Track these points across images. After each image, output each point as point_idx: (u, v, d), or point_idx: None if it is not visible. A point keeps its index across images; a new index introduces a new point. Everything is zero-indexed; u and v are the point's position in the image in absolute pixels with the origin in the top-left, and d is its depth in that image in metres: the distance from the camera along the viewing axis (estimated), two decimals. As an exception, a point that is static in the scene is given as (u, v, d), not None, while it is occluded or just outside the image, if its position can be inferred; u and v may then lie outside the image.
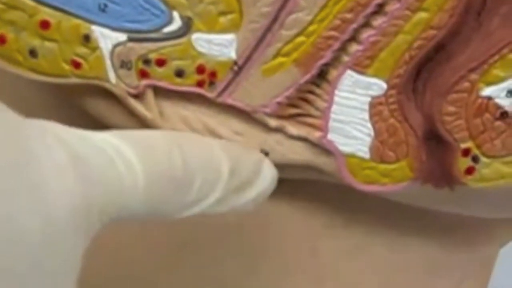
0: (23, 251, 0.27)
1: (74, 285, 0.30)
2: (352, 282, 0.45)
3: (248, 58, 0.38)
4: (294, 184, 0.43)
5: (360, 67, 0.38)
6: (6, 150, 0.27)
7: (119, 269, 0.47)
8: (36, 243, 0.27)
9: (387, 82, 0.38)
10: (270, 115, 0.39)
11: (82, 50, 0.38)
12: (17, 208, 0.27)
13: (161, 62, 0.38)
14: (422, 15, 0.36)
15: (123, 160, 0.31)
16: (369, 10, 0.37)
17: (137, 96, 0.39)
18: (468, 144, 0.38)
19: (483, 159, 0.38)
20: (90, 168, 0.30)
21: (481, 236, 0.45)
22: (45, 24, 0.38)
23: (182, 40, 0.38)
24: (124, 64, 0.38)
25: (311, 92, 0.39)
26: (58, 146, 0.29)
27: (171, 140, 0.34)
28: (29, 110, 0.42)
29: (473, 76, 0.37)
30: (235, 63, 0.38)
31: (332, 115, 0.39)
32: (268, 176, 0.38)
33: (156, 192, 0.32)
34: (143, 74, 0.39)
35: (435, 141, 0.39)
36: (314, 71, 0.38)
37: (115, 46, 0.38)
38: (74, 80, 0.39)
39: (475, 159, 0.38)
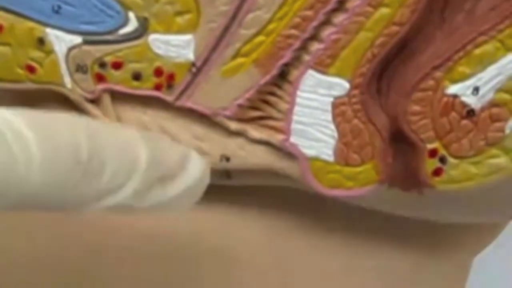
0: None
1: None
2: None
3: (206, 59, 0.38)
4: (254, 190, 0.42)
5: (321, 66, 0.37)
6: None
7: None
8: None
9: (349, 81, 0.37)
10: (231, 118, 0.39)
11: (37, 54, 0.38)
12: None
13: (117, 65, 0.38)
14: (384, 11, 0.36)
15: (18, 140, 0.29)
16: (330, 7, 0.36)
17: (94, 101, 0.39)
18: (435, 145, 0.38)
19: (451, 160, 0.38)
20: None
21: (451, 245, 0.45)
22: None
23: (139, 41, 0.38)
24: (80, 68, 0.38)
25: (272, 93, 0.38)
26: None
27: (80, 127, 0.32)
28: None
29: (438, 74, 0.37)
30: (193, 64, 0.38)
31: (294, 117, 0.38)
32: (195, 170, 0.36)
33: (56, 177, 0.30)
34: (100, 78, 0.38)
35: (401, 142, 0.38)
36: (274, 71, 0.37)
37: (70, 49, 0.38)
38: (29, 86, 0.39)
39: (442, 160, 0.38)
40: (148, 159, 0.34)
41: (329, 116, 0.38)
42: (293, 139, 0.38)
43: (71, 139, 0.31)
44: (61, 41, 0.38)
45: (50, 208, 0.31)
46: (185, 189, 0.36)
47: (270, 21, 0.37)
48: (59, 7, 0.37)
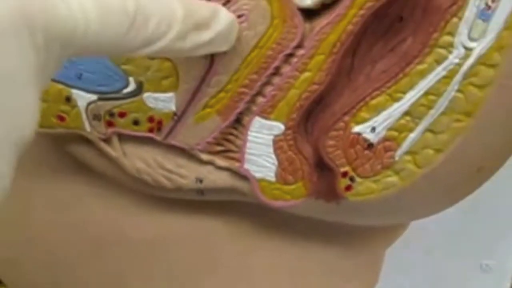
0: None
1: (35, 91, 0.26)
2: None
3: (184, 110, 0.38)
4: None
5: (265, 114, 0.38)
6: None
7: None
8: None
9: (285, 124, 0.38)
10: (202, 151, 0.39)
11: (65, 107, 0.39)
12: None
13: (122, 115, 0.39)
14: (307, 74, 0.37)
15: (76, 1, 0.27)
16: (269, 71, 0.37)
17: (106, 140, 0.39)
18: (346, 168, 0.38)
19: (358, 179, 0.38)
20: None
21: (366, 240, 0.45)
22: None
23: (137, 98, 0.38)
24: (96, 117, 0.39)
25: (231, 134, 0.39)
26: None
27: None
28: (32, 152, 0.43)
29: (346, 118, 0.38)
30: (175, 114, 0.38)
31: (247, 150, 0.39)
32: (224, 19, 0.35)
33: (110, 26, 0.29)
34: (109, 124, 0.39)
35: (322, 166, 0.39)
36: (232, 118, 0.38)
37: (89, 104, 0.38)
38: (60, 130, 0.39)
39: (351, 179, 0.39)
40: (184, 11, 0.32)
41: (271, 149, 0.38)
42: (246, 166, 0.39)
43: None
44: (82, 99, 0.38)
45: (111, 52, 0.30)
46: (218, 33, 0.34)
47: (228, 82, 0.37)
48: (81, 74, 0.38)
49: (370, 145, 0.38)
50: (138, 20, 0.30)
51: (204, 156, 0.39)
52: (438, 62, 0.37)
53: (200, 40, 0.33)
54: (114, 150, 0.40)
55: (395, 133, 0.38)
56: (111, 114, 0.39)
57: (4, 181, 0.26)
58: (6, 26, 0.24)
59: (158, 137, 0.39)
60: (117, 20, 0.29)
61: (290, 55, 0.37)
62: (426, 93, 0.37)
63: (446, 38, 0.36)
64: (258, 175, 0.39)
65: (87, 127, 0.39)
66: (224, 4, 0.36)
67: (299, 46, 0.37)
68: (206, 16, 0.34)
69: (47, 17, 0.26)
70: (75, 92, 0.38)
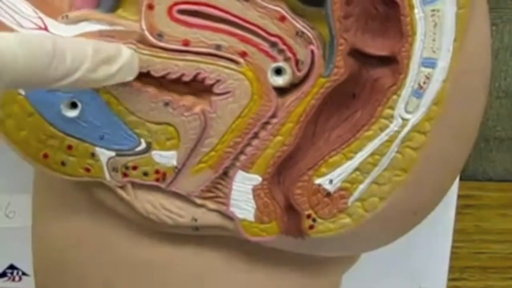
0: None
1: None
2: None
3: (183, 165, 0.38)
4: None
5: (246, 168, 0.37)
6: None
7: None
8: None
9: (262, 177, 0.37)
10: (197, 197, 0.39)
11: (90, 161, 0.38)
12: None
13: (134, 168, 0.38)
14: (279, 138, 0.37)
15: (3, 39, 0.27)
16: (250, 135, 0.37)
17: (122, 187, 0.39)
18: (310, 212, 0.38)
19: (319, 220, 0.38)
20: None
21: (326, 268, 0.44)
22: (69, 147, 0.38)
23: (146, 155, 0.38)
24: (114, 169, 0.38)
25: (220, 183, 0.38)
26: None
27: (45, 34, 0.31)
28: (63, 195, 0.42)
29: (310, 172, 0.37)
30: (176, 167, 0.38)
31: (232, 197, 0.38)
32: (127, 53, 0.34)
33: (34, 62, 0.28)
34: (125, 175, 0.38)
35: (291, 210, 0.38)
36: (220, 171, 0.38)
37: (109, 159, 0.38)
38: (86, 179, 0.39)
39: (314, 220, 0.38)
40: (93, 50, 0.31)
41: (251, 196, 0.38)
42: (231, 209, 0.38)
43: (41, 40, 0.29)
44: (104, 155, 0.38)
45: (32, 86, 0.29)
46: (123, 65, 0.34)
47: (217, 144, 0.37)
48: (103, 136, 0.37)
49: (328, 194, 0.38)
50: (57, 56, 0.29)
51: (198, 201, 0.39)
52: (382, 129, 0.36)
53: (109, 72, 0.33)
54: (128, 195, 0.39)
55: (348, 185, 0.37)
56: (126, 167, 0.38)
57: None
58: None
59: (162, 185, 0.39)
60: (39, 57, 0.28)
61: (266, 123, 0.37)
62: (372, 154, 0.37)
63: (388, 111, 0.36)
64: (240, 216, 0.38)
65: (108, 177, 0.39)
66: (214, 84, 0.36)
67: (273, 116, 0.36)
68: (112, 52, 0.33)
69: None
70: (98, 150, 0.38)
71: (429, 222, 0.42)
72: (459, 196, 0.60)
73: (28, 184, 0.45)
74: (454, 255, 0.60)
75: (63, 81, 0.30)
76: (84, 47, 0.31)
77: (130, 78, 0.35)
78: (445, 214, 0.58)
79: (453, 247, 0.59)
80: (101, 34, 0.36)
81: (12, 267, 0.58)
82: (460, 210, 0.62)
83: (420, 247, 0.55)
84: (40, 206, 0.44)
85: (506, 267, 0.67)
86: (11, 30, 0.38)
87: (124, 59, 0.34)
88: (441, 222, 0.58)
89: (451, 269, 0.60)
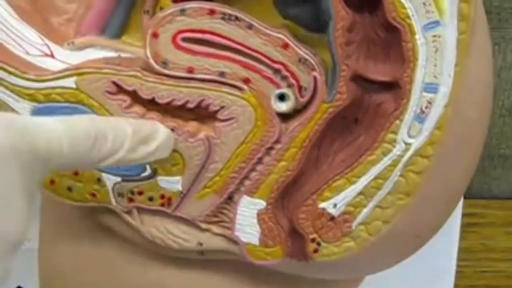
0: None
1: (23, 203, 0.26)
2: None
3: (188, 190, 0.38)
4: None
5: (250, 193, 0.38)
6: None
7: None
8: None
9: (266, 201, 0.38)
10: (202, 221, 0.39)
11: (96, 186, 0.38)
12: None
13: (140, 193, 0.38)
14: (283, 163, 0.37)
15: (51, 128, 0.28)
16: (254, 161, 0.37)
17: (128, 212, 0.39)
18: (314, 235, 0.38)
19: (323, 244, 0.38)
20: (21, 131, 0.26)
21: None
22: (76, 173, 0.38)
23: (152, 180, 0.38)
24: (120, 194, 0.39)
25: (224, 208, 0.39)
26: None
27: (88, 118, 0.31)
28: (69, 219, 0.42)
29: (314, 197, 0.38)
30: (181, 192, 0.38)
31: (237, 221, 0.38)
32: (163, 132, 0.35)
33: (79, 147, 0.29)
34: (131, 200, 0.39)
35: (295, 234, 0.38)
36: (225, 196, 0.38)
37: (115, 184, 0.38)
38: (92, 204, 0.39)
39: (318, 244, 0.38)
40: (133, 130, 0.32)
41: (255, 220, 0.38)
42: (236, 233, 0.38)
43: (84, 125, 0.30)
44: (110, 180, 0.38)
45: (76, 167, 0.31)
46: (160, 144, 0.34)
47: (222, 169, 0.37)
48: None
49: (332, 218, 0.38)
50: (99, 141, 0.30)
51: (204, 225, 0.39)
52: (385, 154, 0.37)
53: (147, 151, 0.34)
54: (134, 220, 0.39)
55: (352, 208, 0.38)
56: (132, 192, 0.38)
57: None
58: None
59: (168, 210, 0.39)
60: (82, 142, 0.29)
61: (270, 148, 0.37)
62: (376, 178, 0.37)
63: (391, 136, 0.36)
64: (245, 240, 0.39)
65: (113, 202, 0.39)
66: (218, 110, 0.36)
67: (277, 141, 0.37)
68: (149, 132, 0.34)
69: (31, 149, 0.26)
70: (104, 175, 0.38)
71: (433, 240, 0.42)
72: (464, 215, 0.60)
73: (36, 208, 0.44)
74: (459, 274, 0.61)
75: (104, 162, 0.31)
76: (124, 128, 0.32)
77: (166, 155, 0.36)
78: (449, 233, 0.58)
79: (458, 265, 0.59)
80: (107, 62, 0.37)
81: (19, 288, 0.58)
82: (465, 229, 0.62)
83: (424, 266, 0.55)
84: (47, 230, 0.44)
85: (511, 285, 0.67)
86: (18, 58, 0.38)
87: (161, 138, 0.35)
88: (446, 241, 0.58)
89: (456, 287, 0.60)
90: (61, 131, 0.28)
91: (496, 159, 0.66)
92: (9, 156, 0.25)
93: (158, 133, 0.35)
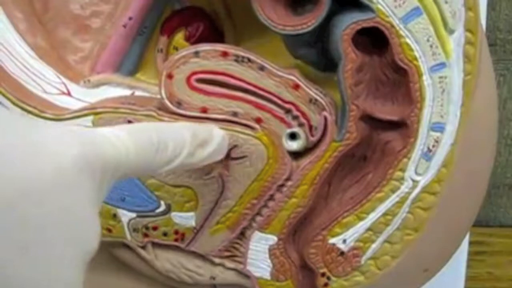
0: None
1: (96, 211, 0.26)
2: None
3: (202, 226, 0.39)
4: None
5: (262, 229, 0.38)
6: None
7: None
8: (49, 185, 0.24)
9: (277, 237, 0.38)
10: (215, 256, 0.39)
11: (112, 222, 0.39)
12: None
13: (155, 228, 0.39)
14: (294, 200, 0.38)
15: (118, 138, 0.28)
16: (266, 197, 0.38)
17: (142, 247, 0.40)
18: (324, 270, 0.39)
19: (333, 278, 0.39)
20: (93, 142, 0.27)
21: None
22: None
23: (166, 216, 0.39)
24: (135, 230, 0.39)
25: (237, 243, 0.39)
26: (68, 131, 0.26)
27: (151, 126, 0.32)
28: None
29: (324, 233, 0.38)
30: (195, 228, 0.39)
31: (249, 256, 0.39)
32: (218, 135, 0.35)
33: (142, 155, 0.29)
34: (145, 235, 0.39)
35: (306, 268, 0.39)
36: (237, 232, 0.39)
37: (130, 220, 0.39)
38: (108, 238, 0.39)
39: (328, 278, 0.39)
40: (191, 136, 0.32)
41: (267, 255, 0.39)
42: (248, 267, 0.39)
43: (148, 133, 0.30)
44: (125, 216, 0.39)
45: (140, 174, 0.31)
46: (216, 147, 0.34)
47: (235, 206, 0.38)
48: (124, 198, 0.38)
49: (342, 253, 0.38)
50: (161, 147, 0.30)
51: (216, 260, 0.40)
52: (393, 191, 0.37)
53: (204, 155, 0.34)
54: (149, 254, 0.40)
55: (361, 244, 0.38)
56: (147, 228, 0.39)
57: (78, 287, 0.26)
58: (75, 174, 0.25)
59: (181, 245, 0.39)
60: (146, 149, 0.30)
61: (281, 185, 0.38)
62: (384, 214, 0.38)
63: (399, 173, 0.37)
64: (257, 274, 0.39)
65: (129, 237, 0.39)
66: (231, 149, 0.37)
67: (288, 178, 0.37)
68: (206, 136, 0.34)
69: (102, 158, 0.27)
70: (120, 211, 0.39)
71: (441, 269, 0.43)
72: (471, 243, 0.61)
73: None
74: None
75: (165, 167, 0.31)
76: (183, 134, 0.33)
77: (221, 157, 0.36)
78: (456, 261, 0.58)
79: (465, 294, 0.59)
80: (122, 102, 0.38)
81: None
82: (472, 257, 0.62)
83: None
84: None
85: (519, 314, 0.67)
86: (36, 97, 0.39)
87: (217, 141, 0.35)
88: (453, 269, 0.58)
89: (464, 317, 0.60)
90: (127, 140, 0.29)
91: (502, 188, 0.67)
92: (82, 165, 0.25)
93: (214, 136, 0.35)
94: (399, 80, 0.36)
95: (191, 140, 0.33)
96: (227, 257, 0.39)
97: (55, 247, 0.24)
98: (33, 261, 0.23)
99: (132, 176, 0.31)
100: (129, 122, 0.37)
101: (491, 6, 0.59)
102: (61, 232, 0.24)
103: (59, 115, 0.38)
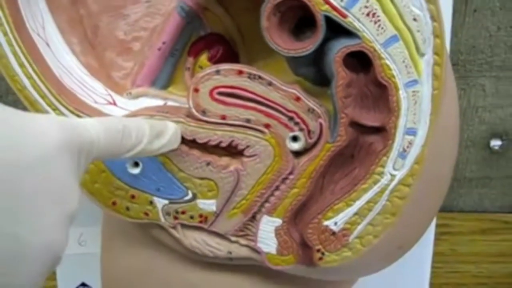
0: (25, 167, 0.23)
1: (76, 183, 0.26)
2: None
3: (221, 211, 0.39)
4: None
5: (269, 213, 0.38)
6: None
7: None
8: (37, 159, 0.24)
9: (282, 219, 0.38)
10: (232, 235, 0.39)
11: (149, 207, 0.39)
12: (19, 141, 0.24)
13: (183, 212, 0.39)
14: (295, 190, 0.38)
15: (91, 125, 0.28)
16: (273, 188, 0.38)
17: (173, 227, 0.39)
18: (319, 247, 0.38)
19: (326, 253, 0.38)
20: (71, 128, 0.27)
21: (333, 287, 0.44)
22: (133, 196, 0.39)
23: (192, 203, 0.39)
24: (167, 214, 0.39)
25: (249, 225, 0.39)
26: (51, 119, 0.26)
27: (117, 118, 0.33)
28: (127, 232, 0.43)
29: (319, 216, 0.38)
30: (215, 212, 0.39)
31: (259, 235, 0.39)
32: (172, 127, 0.35)
33: (111, 140, 0.30)
34: (176, 218, 0.39)
35: (305, 245, 0.39)
36: (250, 215, 0.38)
37: (163, 206, 0.39)
38: (146, 221, 0.39)
39: (322, 253, 0.39)
40: (149, 127, 0.33)
41: (273, 235, 0.38)
42: (258, 244, 0.39)
43: (115, 123, 0.30)
44: (160, 202, 0.38)
45: (108, 157, 0.30)
46: (170, 138, 0.35)
47: (247, 194, 0.38)
48: (159, 188, 0.38)
49: (333, 233, 0.38)
50: (125, 135, 0.31)
51: (233, 238, 0.39)
52: (375, 183, 0.37)
53: (161, 143, 0.34)
54: (178, 233, 0.40)
55: (349, 226, 0.38)
56: (177, 212, 0.39)
57: (62, 244, 0.26)
58: (56, 151, 0.25)
59: (204, 226, 0.39)
60: (114, 136, 0.30)
61: (285, 178, 0.38)
62: (368, 202, 0.38)
63: (380, 169, 0.37)
64: (265, 250, 0.39)
65: (162, 219, 0.39)
66: (245, 148, 0.37)
67: (290, 173, 0.37)
68: (161, 128, 0.35)
69: (78, 141, 0.27)
70: (155, 199, 0.39)
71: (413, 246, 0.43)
72: (437, 225, 0.61)
73: (97, 218, 0.45)
74: (434, 274, 0.60)
75: (129, 153, 0.32)
76: (143, 126, 0.33)
77: (176, 146, 0.36)
78: (426, 240, 0.58)
79: (432, 267, 0.59)
80: (158, 110, 0.38)
81: (83, 284, 0.59)
82: (438, 237, 0.63)
83: (405, 268, 0.55)
84: (108, 242, 0.45)
85: (476, 283, 0.67)
86: (89, 106, 0.40)
87: (170, 132, 0.35)
88: (423, 247, 0.59)
89: (431, 285, 0.60)
90: (98, 128, 0.29)
91: (462, 180, 0.67)
92: (64, 147, 0.26)
93: (168, 128, 0.35)
94: (380, 93, 0.36)
95: (150, 131, 0.33)
96: (241, 236, 0.39)
97: (44, 209, 0.24)
98: (25, 221, 0.24)
99: (103, 158, 0.32)
100: (163, 127, 0.37)
101: (454, 33, 0.59)
102: (47, 196, 0.25)
103: (107, 121, 0.38)
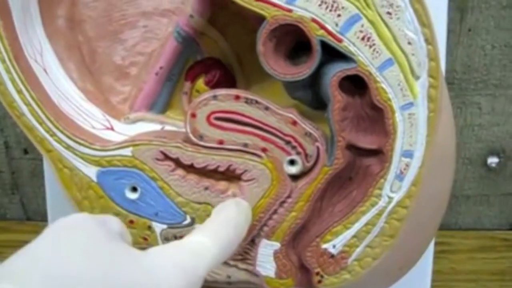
0: None
1: None
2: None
3: None
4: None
5: (268, 237, 0.38)
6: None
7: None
8: None
9: (280, 243, 0.38)
10: (230, 259, 0.39)
11: (147, 232, 0.39)
12: None
13: (181, 237, 0.36)
14: (293, 213, 0.37)
15: (206, 248, 0.30)
16: (271, 212, 0.37)
17: None
18: (318, 269, 0.38)
19: (325, 276, 0.38)
20: (193, 274, 0.28)
21: None
22: (131, 221, 0.38)
23: (191, 227, 0.38)
24: (166, 238, 0.39)
25: (248, 248, 0.39)
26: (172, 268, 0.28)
27: (233, 227, 0.34)
28: None
29: (318, 239, 0.38)
30: None
31: (258, 259, 0.38)
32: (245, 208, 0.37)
33: (224, 256, 0.31)
34: None
35: (303, 268, 0.39)
36: (248, 239, 0.38)
37: (162, 230, 0.38)
38: (144, 246, 0.38)
39: (321, 276, 0.38)
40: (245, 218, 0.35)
41: (272, 258, 0.38)
42: (257, 268, 0.39)
43: (227, 235, 0.32)
44: (158, 227, 0.38)
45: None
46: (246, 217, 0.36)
47: None
48: (157, 213, 0.38)
49: (332, 256, 0.38)
50: (236, 242, 0.33)
51: (231, 262, 0.39)
52: (373, 205, 0.37)
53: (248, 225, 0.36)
54: None
55: (347, 248, 0.38)
56: (175, 237, 0.39)
57: None
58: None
59: None
60: (227, 251, 0.32)
61: (283, 202, 0.38)
62: (366, 224, 0.38)
63: (377, 191, 0.37)
64: (264, 273, 0.39)
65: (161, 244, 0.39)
66: (243, 173, 0.37)
67: (288, 196, 0.37)
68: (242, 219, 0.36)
69: (196, 272, 0.29)
70: (154, 223, 0.39)
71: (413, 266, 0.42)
72: (436, 243, 0.61)
73: None
74: None
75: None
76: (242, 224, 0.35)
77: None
78: (425, 258, 0.58)
79: (432, 286, 0.59)
80: (155, 135, 0.38)
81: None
82: (437, 255, 0.62)
83: (404, 287, 0.55)
84: None
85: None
86: (86, 131, 0.40)
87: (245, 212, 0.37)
88: (422, 265, 0.58)
89: (431, 304, 0.60)
90: (214, 250, 0.31)
91: (460, 198, 0.67)
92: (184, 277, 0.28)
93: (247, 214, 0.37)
94: (376, 116, 0.36)
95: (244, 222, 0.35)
96: (240, 260, 0.39)
97: None
98: None
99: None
100: (161, 152, 0.37)
101: (449, 53, 0.60)
102: None
103: (105, 147, 0.38)
